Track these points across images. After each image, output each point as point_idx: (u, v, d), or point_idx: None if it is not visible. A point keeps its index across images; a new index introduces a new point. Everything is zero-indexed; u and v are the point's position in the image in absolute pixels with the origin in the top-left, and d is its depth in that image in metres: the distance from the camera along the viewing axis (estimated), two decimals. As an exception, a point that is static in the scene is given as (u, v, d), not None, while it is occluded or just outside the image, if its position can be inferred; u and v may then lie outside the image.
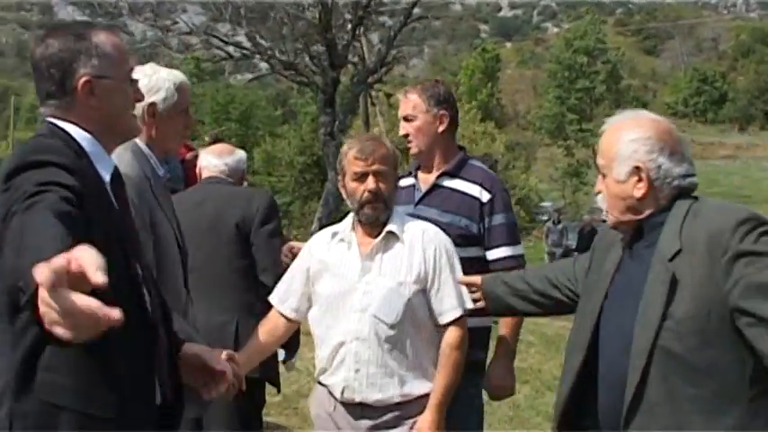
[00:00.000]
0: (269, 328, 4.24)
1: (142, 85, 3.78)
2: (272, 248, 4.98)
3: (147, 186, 3.70)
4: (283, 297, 4.14)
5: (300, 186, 40.19)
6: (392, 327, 3.73)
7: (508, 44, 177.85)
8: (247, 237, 5.05)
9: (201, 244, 4.75)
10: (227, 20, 23.07)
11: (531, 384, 10.39)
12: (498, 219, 4.39)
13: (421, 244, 3.88)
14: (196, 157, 12.22)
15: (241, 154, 5.66)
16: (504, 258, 4.38)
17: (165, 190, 3.96)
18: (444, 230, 4.17)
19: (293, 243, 4.88)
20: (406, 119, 4.53)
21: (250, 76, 54.07)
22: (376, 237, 3.90)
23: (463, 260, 4.15)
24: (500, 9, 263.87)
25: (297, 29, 22.35)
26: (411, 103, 4.51)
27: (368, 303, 3.78)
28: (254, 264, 5.03)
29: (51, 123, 2.72)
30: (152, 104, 3.82)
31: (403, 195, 4.51)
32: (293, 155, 40.96)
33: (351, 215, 3.98)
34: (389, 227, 3.88)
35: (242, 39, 23.24)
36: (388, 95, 29.44)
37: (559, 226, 28.13)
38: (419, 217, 4.29)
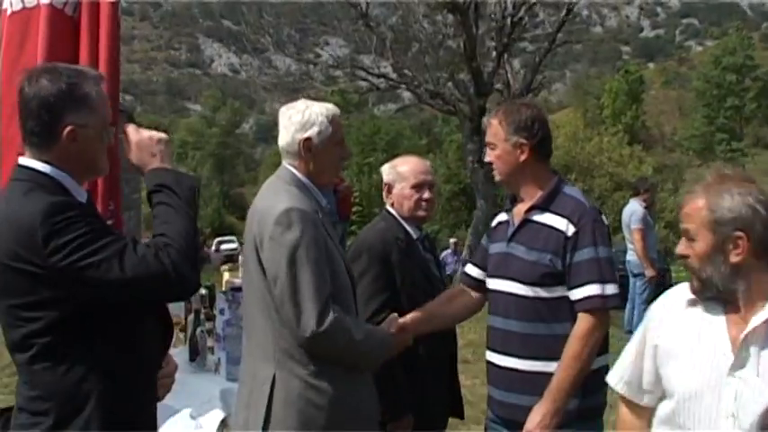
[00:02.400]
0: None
1: (296, 121, 3.93)
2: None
3: (318, 219, 3.82)
4: (634, 387, 3.22)
5: (447, 214, 40.27)
6: None
7: (651, 65, 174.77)
8: None
9: None
10: (371, 51, 23.33)
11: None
12: (584, 254, 3.91)
13: None
14: (347, 187, 12.49)
15: None
16: (589, 298, 3.87)
17: (329, 219, 4.08)
18: (530, 270, 3.97)
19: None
20: (489, 146, 4.23)
21: (393, 106, 54.36)
22: (745, 315, 2.90)
23: (551, 301, 3.96)
24: (642, 30, 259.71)
25: (441, 58, 22.50)
26: (492, 129, 4.19)
27: (741, 409, 2.84)
28: None
29: (30, 169, 3.00)
30: (307, 139, 3.91)
31: (499, 232, 4.31)
32: (440, 183, 41.04)
33: None
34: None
35: (386, 69, 23.45)
36: (534, 121, 29.20)
37: (713, 248, 26.88)
38: (509, 255, 4.09)
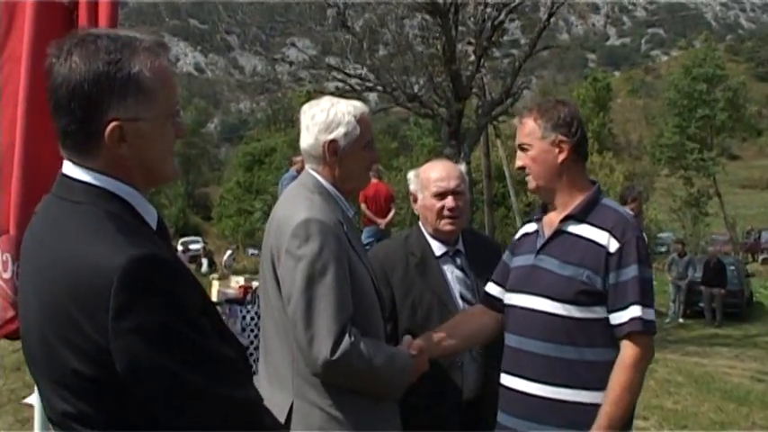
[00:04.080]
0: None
1: (320, 121, 3.51)
2: None
3: (342, 231, 3.43)
4: None
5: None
6: None
7: (617, 73, 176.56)
8: None
9: None
10: (340, 53, 22.97)
11: (690, 429, 9.84)
12: (629, 273, 3.54)
13: None
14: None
15: None
16: (633, 320, 3.51)
17: (355, 230, 3.69)
18: (564, 286, 3.59)
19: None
20: (522, 148, 3.83)
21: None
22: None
23: (585, 322, 3.56)
24: (608, 38, 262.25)
25: (419, 60, 22.17)
26: (526, 128, 3.79)
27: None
28: None
29: (80, 182, 2.16)
30: (332, 141, 3.53)
31: (525, 244, 3.93)
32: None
33: None
34: None
35: (362, 71, 23.01)
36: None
37: (686, 258, 26.76)
38: (538, 268, 3.72)
